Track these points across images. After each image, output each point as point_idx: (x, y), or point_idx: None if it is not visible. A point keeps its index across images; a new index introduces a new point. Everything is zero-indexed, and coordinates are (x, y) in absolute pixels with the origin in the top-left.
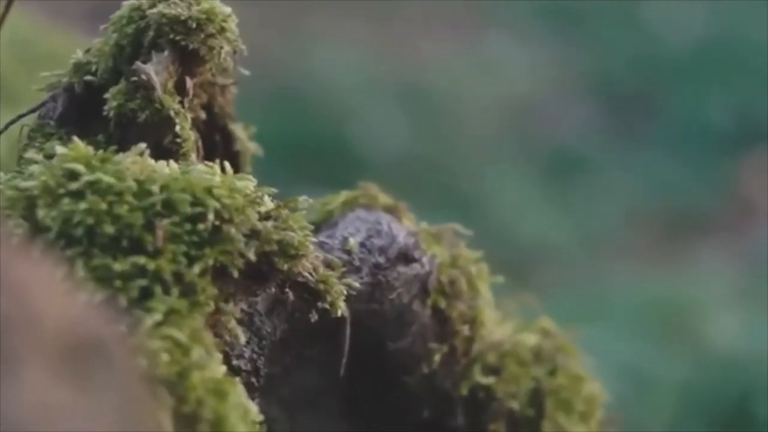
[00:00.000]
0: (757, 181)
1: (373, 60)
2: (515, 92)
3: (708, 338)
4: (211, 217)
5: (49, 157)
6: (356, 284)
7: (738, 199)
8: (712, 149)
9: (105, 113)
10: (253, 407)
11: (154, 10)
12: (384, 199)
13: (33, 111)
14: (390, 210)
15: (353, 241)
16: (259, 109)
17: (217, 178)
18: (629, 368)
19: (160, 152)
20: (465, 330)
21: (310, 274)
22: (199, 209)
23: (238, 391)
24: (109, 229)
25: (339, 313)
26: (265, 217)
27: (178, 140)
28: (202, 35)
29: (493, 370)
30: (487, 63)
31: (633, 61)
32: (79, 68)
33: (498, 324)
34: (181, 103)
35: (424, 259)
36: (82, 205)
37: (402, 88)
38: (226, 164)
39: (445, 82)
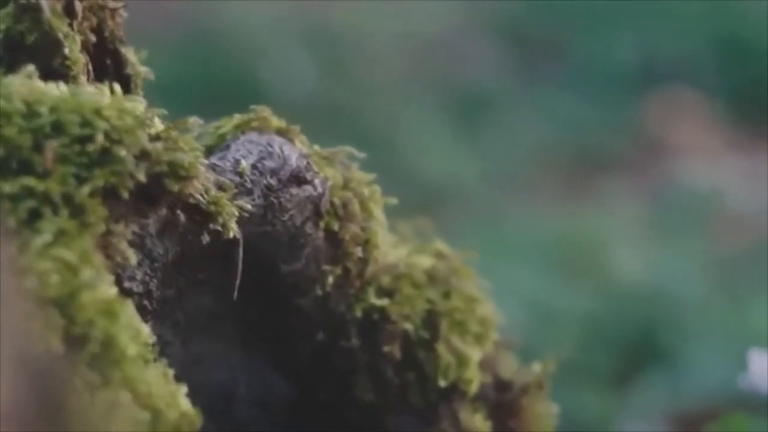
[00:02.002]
0: (662, 119)
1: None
2: (424, 31)
3: (612, 272)
4: (100, 138)
5: None
6: (248, 206)
7: (643, 137)
8: (618, 88)
9: None
10: (145, 329)
11: None
12: (276, 122)
13: None
14: (282, 133)
15: (245, 163)
16: (167, 48)
17: (107, 100)
18: (535, 301)
19: (49, 75)
20: (358, 252)
21: (202, 195)
22: (88, 130)
23: (129, 312)
24: None
25: (231, 235)
26: (155, 138)
27: (68, 63)
28: None
29: (387, 292)
30: (396, 2)
31: (541, 0)
32: None
33: (393, 247)
34: (71, 25)
35: (317, 181)
36: None
37: (311, 27)
38: (116, 86)
39: (354, 20)
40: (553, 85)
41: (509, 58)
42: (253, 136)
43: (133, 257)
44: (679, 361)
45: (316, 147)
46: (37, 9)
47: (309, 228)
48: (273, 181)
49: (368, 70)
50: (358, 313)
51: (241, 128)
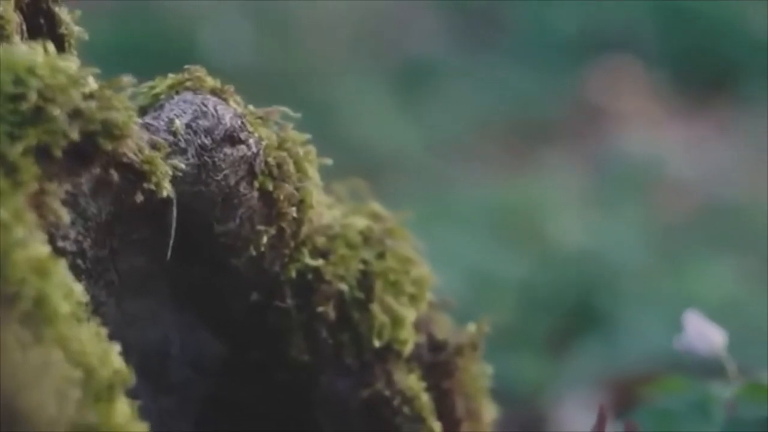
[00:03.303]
0: (604, 88)
1: None
2: (368, 1)
3: (552, 239)
4: (33, 96)
5: None
6: (182, 165)
7: (585, 105)
8: (560, 57)
9: None
10: (78, 287)
11: None
12: (211, 82)
13: None
14: (217, 93)
15: (179, 123)
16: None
17: (40, 59)
18: (475, 268)
19: None
20: (293, 212)
21: (135, 154)
22: (21, 89)
23: (61, 270)
24: None
25: (165, 195)
26: (89, 97)
27: (1, 22)
28: None
29: (322, 253)
30: None
31: None
32: None
33: (328, 208)
34: None
35: (251, 141)
36: None
37: None
38: (50, 45)
39: None
40: (495, 54)
41: (452, 27)
42: (188, 95)
43: (66, 216)
44: (617, 326)
45: (251, 107)
46: None
47: (243, 188)
48: (207, 141)
49: (311, 38)
50: (293, 274)
51: (175, 88)
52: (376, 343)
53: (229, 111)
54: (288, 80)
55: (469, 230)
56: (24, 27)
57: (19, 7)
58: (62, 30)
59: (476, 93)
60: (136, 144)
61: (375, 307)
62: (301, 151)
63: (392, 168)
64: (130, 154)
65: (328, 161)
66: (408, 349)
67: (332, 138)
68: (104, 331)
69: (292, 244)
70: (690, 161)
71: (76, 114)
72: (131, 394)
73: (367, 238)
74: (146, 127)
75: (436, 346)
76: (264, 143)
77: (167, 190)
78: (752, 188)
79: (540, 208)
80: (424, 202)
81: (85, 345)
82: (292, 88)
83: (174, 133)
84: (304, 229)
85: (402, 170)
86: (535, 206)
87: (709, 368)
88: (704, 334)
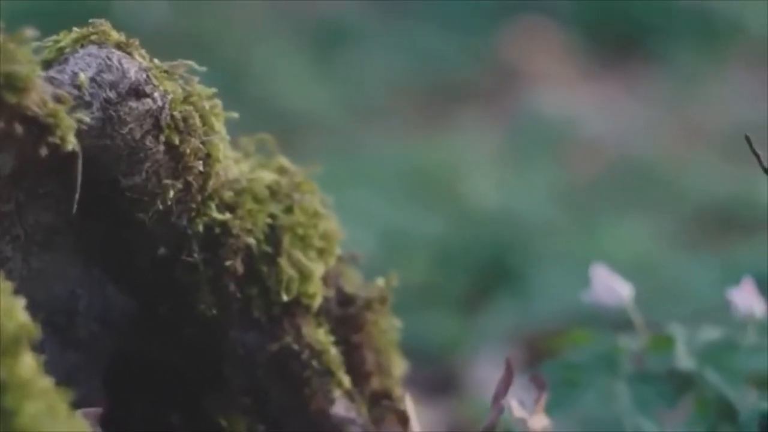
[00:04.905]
0: (518, 49)
1: None
2: None
3: (466, 199)
4: None
5: None
6: (87, 119)
7: (499, 66)
8: (473, 19)
9: None
10: None
11: None
12: (116, 35)
13: None
14: (122, 47)
15: (83, 76)
16: None
17: None
18: (389, 229)
19: None
20: (199, 166)
21: (39, 108)
22: None
23: None
24: None
25: (70, 149)
26: None
27: None
28: None
29: (229, 207)
30: None
31: None
32: None
33: (235, 162)
34: None
35: (156, 95)
36: None
37: None
38: None
39: None
40: (410, 16)
41: None
42: (92, 49)
43: None
44: (530, 284)
45: (156, 61)
46: None
47: (149, 142)
48: (112, 95)
49: (226, 2)
50: (200, 228)
51: (80, 42)
52: (285, 297)
53: (134, 65)
54: (203, 42)
55: (383, 190)
56: None
57: None
58: None
59: (391, 54)
60: (40, 97)
61: (283, 261)
62: (207, 105)
63: (306, 129)
64: (34, 108)
65: (234, 115)
66: (316, 303)
67: (246, 99)
68: (10, 286)
69: (199, 198)
70: (602, 120)
71: None
72: (38, 349)
73: (274, 192)
74: (50, 80)
75: (345, 300)
76: (170, 97)
77: (72, 143)
78: (663, 147)
79: (454, 167)
80: (338, 162)
81: None
82: (207, 50)
83: (79, 87)
84: (211, 183)
85: (316, 131)
86: (449, 166)
87: (618, 324)
88: (611, 287)
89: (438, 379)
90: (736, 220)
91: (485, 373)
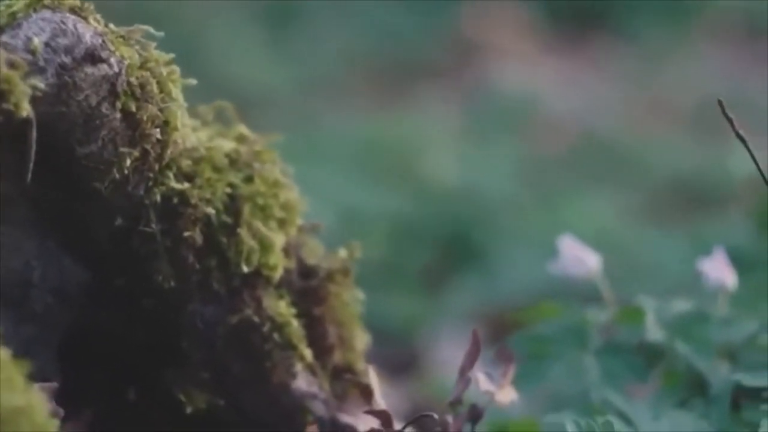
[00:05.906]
0: (478, 24)
1: None
2: None
3: (427, 175)
4: None
5: None
6: (41, 85)
7: (459, 42)
8: None
9: None
10: None
11: None
12: (70, 0)
13: None
14: (76, 11)
15: (37, 41)
16: None
17: None
18: (349, 206)
19: None
20: (157, 134)
21: None
22: None
23: None
24: None
25: (24, 115)
26: None
27: None
28: None
29: (188, 176)
30: None
31: None
32: None
33: (193, 130)
34: None
35: (113, 60)
36: None
37: None
38: None
39: None
40: None
41: None
42: (46, 14)
43: None
44: (493, 260)
45: (111, 26)
46: None
47: (105, 108)
48: (67, 60)
49: None
50: (157, 198)
51: (33, 6)
52: (245, 269)
53: (90, 29)
54: (155, 17)
55: (342, 167)
56: None
57: None
58: None
59: (350, 30)
60: None
61: (243, 232)
62: (164, 71)
63: (262, 105)
64: None
65: (193, 81)
66: (277, 274)
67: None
68: None
69: (157, 167)
70: (565, 96)
71: None
72: None
73: (234, 161)
74: (3, 45)
75: (306, 271)
76: (126, 63)
77: (26, 110)
78: (628, 123)
79: (415, 144)
80: (295, 139)
81: None
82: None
83: (33, 52)
84: (169, 152)
85: (272, 107)
86: (409, 142)
87: (586, 297)
88: (579, 257)
89: (399, 359)
90: (703, 195)
91: (448, 351)
